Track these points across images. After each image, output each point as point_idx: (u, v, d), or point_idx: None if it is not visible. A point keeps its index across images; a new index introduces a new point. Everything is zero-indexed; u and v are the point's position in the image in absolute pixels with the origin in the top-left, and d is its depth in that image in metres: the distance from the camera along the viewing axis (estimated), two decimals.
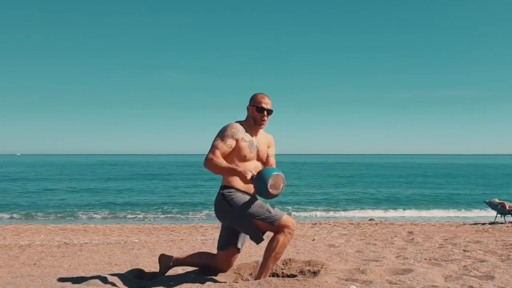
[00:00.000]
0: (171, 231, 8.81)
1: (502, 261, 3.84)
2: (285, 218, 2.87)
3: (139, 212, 14.86)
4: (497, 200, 9.91)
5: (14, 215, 14.02)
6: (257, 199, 2.96)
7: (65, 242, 6.61)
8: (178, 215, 14.25)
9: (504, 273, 3.27)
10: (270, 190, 2.71)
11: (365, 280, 2.93)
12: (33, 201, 18.41)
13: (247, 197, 2.93)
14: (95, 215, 14.18)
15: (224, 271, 3.15)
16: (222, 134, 2.90)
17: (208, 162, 2.80)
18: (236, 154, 2.91)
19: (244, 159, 2.94)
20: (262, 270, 2.91)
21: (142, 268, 3.76)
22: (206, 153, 2.86)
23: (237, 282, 2.95)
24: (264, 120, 3.00)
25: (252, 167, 2.95)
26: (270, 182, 2.70)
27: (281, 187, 2.79)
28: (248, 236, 2.99)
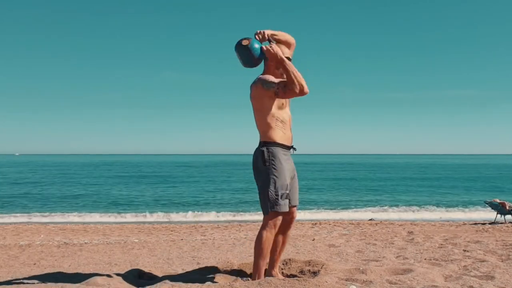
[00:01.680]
0: (171, 231, 8.80)
1: (502, 261, 3.84)
2: (278, 217, 2.86)
3: (139, 212, 14.86)
4: (497, 200, 9.89)
5: (14, 215, 14.02)
6: (287, 175, 2.91)
7: (65, 242, 6.61)
8: (178, 215, 14.25)
9: (504, 273, 3.27)
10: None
11: (365, 280, 2.93)
12: (33, 201, 18.41)
13: (284, 166, 2.89)
14: (95, 215, 14.17)
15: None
16: (271, 79, 2.87)
17: (305, 85, 2.80)
18: (275, 104, 2.90)
19: (281, 108, 2.94)
20: (253, 269, 2.91)
21: (142, 268, 3.76)
22: (290, 90, 2.79)
23: (237, 282, 2.95)
24: None
25: (286, 116, 2.97)
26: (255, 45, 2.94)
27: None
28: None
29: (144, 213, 14.61)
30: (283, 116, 2.94)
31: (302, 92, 2.79)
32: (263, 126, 2.92)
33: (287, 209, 2.88)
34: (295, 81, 2.77)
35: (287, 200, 2.89)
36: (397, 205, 16.58)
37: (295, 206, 3.06)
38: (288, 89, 2.80)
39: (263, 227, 2.86)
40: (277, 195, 2.83)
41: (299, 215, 14.60)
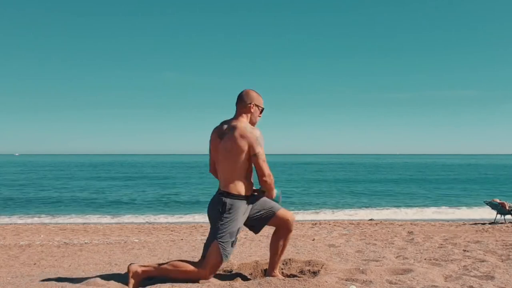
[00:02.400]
0: (171, 231, 8.80)
1: (502, 261, 3.84)
2: (219, 265, 2.91)
3: (139, 212, 14.86)
4: (497, 200, 9.90)
5: (14, 215, 14.01)
6: (241, 222, 2.95)
7: (65, 242, 6.61)
8: (178, 215, 14.25)
9: (504, 273, 3.27)
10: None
11: (365, 280, 2.93)
12: (32, 201, 18.41)
13: (241, 218, 2.93)
14: (95, 215, 14.17)
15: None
16: (262, 145, 2.88)
17: (272, 180, 2.91)
18: (250, 161, 2.90)
19: (251, 166, 2.95)
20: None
21: None
22: (264, 168, 2.87)
23: (237, 282, 2.95)
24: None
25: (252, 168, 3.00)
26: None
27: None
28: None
29: (144, 213, 14.62)
30: (251, 174, 2.97)
31: (268, 182, 2.91)
32: (233, 176, 2.89)
33: (229, 258, 2.93)
34: (270, 176, 2.90)
35: (233, 248, 2.93)
36: (397, 205, 16.57)
37: (277, 210, 3.05)
38: (267, 174, 2.88)
39: (205, 266, 2.87)
40: (227, 245, 2.87)
41: (300, 215, 14.62)
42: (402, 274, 3.12)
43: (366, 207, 16.12)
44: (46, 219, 13.17)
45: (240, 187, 2.89)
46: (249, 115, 2.97)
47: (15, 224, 11.04)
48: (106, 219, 13.26)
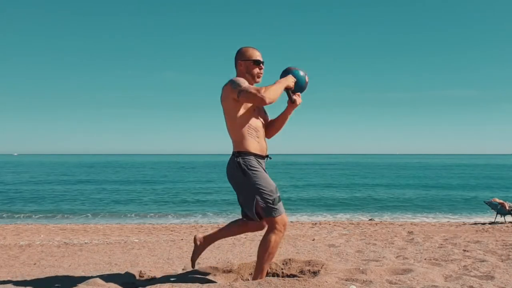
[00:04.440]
0: (171, 231, 8.80)
1: (502, 261, 3.84)
2: (282, 217, 2.75)
3: (139, 212, 14.85)
4: (497, 200, 9.90)
5: (14, 215, 14.01)
6: (271, 180, 2.80)
7: (65, 242, 6.61)
8: (178, 215, 14.25)
9: (504, 273, 3.27)
10: (306, 78, 2.92)
11: (365, 280, 2.93)
12: (32, 201, 18.40)
13: (262, 172, 2.78)
14: (95, 215, 14.17)
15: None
16: (241, 83, 2.70)
17: (267, 94, 2.63)
18: (245, 113, 2.76)
19: (253, 117, 2.80)
20: (257, 272, 2.83)
21: (142, 268, 3.76)
22: (252, 96, 2.63)
23: (237, 282, 2.95)
24: (261, 73, 2.88)
25: (259, 127, 2.84)
26: (301, 73, 2.90)
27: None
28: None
29: (144, 213, 14.62)
30: (256, 123, 2.82)
31: (262, 102, 2.66)
32: (235, 135, 2.78)
33: (283, 210, 2.78)
34: (261, 93, 2.64)
35: (281, 202, 2.80)
36: (397, 205, 16.57)
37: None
38: (250, 93, 2.65)
39: (270, 231, 2.75)
40: (269, 202, 2.72)
41: (299, 215, 14.55)
42: (402, 274, 3.12)
43: (366, 207, 16.11)
44: (46, 219, 13.17)
45: (248, 145, 2.76)
46: (240, 74, 2.85)
47: (15, 224, 11.03)
48: (106, 219, 13.26)
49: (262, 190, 2.71)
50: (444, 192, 22.12)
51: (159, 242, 6.47)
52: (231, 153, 2.85)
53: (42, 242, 6.70)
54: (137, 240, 6.78)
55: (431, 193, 21.56)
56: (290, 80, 2.83)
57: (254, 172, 2.74)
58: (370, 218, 12.64)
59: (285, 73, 2.90)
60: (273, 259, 2.93)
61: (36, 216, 13.86)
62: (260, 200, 2.71)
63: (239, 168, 2.74)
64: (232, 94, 2.71)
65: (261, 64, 2.86)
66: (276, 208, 2.73)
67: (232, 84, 2.71)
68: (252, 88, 2.66)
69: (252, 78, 2.84)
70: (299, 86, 2.91)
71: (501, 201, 9.77)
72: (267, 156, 2.90)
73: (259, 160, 2.81)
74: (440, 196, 20.35)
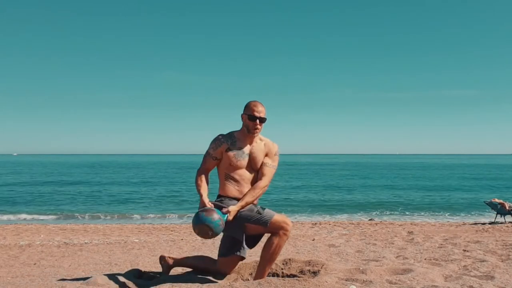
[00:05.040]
0: (171, 231, 8.80)
1: (502, 261, 3.84)
2: (277, 218, 2.90)
3: (139, 212, 14.85)
4: (497, 200, 9.90)
5: (14, 215, 14.01)
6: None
7: (65, 242, 6.60)
8: (178, 215, 14.24)
9: (504, 273, 3.27)
10: (197, 235, 2.86)
11: (365, 280, 2.93)
12: (32, 201, 18.40)
13: None
14: (95, 215, 14.17)
15: (224, 275, 3.19)
16: (209, 146, 3.08)
17: (196, 174, 3.10)
18: (224, 163, 3.05)
19: (232, 167, 3.04)
20: (259, 273, 2.97)
21: (142, 268, 3.76)
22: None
23: (237, 282, 2.95)
24: (257, 128, 3.02)
25: (241, 176, 3.04)
26: (196, 229, 2.80)
27: (209, 234, 2.78)
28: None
29: (144, 213, 14.62)
30: (236, 176, 3.05)
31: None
32: (219, 179, 3.13)
33: (273, 212, 2.95)
34: (197, 171, 3.14)
35: (266, 209, 2.97)
36: (397, 205, 16.57)
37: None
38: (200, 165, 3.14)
39: (274, 234, 2.90)
40: (256, 216, 2.91)
41: (299, 215, 14.52)
42: (402, 274, 3.12)
43: (366, 207, 16.10)
44: (46, 219, 13.17)
45: (227, 190, 3.08)
46: (243, 125, 3.12)
47: (15, 224, 11.03)
48: (106, 219, 13.26)
49: (242, 216, 2.92)
50: (444, 192, 22.12)
51: (159, 242, 6.47)
52: None
53: (42, 242, 6.69)
54: (137, 240, 6.78)
55: (431, 193, 21.56)
56: (200, 201, 3.00)
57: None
58: (370, 218, 12.64)
59: (197, 218, 2.81)
60: (275, 261, 3.06)
61: (36, 216, 13.86)
62: (250, 223, 2.92)
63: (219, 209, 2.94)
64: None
65: (257, 120, 3.02)
66: (265, 216, 2.90)
67: (211, 143, 3.09)
68: (203, 162, 3.10)
69: (247, 131, 3.06)
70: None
71: (501, 201, 9.77)
72: None
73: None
74: (440, 196, 20.34)
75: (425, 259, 4.14)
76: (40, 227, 9.89)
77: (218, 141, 3.06)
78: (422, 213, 14.45)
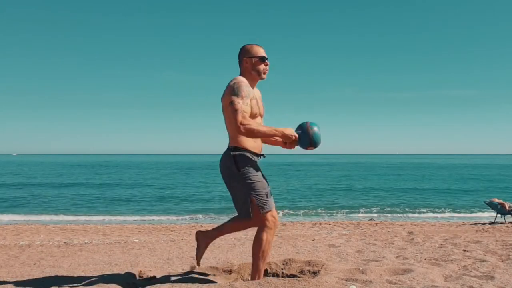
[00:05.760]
0: (171, 231, 8.80)
1: (502, 261, 3.84)
2: (272, 213, 2.79)
3: (139, 212, 14.85)
4: (497, 200, 9.90)
5: (14, 215, 14.01)
6: (263, 175, 2.86)
7: (65, 242, 6.60)
8: (178, 215, 14.25)
9: (504, 273, 3.27)
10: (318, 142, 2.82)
11: (365, 280, 2.93)
12: (32, 201, 18.40)
13: (257, 170, 2.82)
14: (95, 215, 14.17)
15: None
16: (239, 94, 2.67)
17: (246, 129, 2.64)
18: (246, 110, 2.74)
19: (254, 117, 2.79)
20: (254, 271, 2.83)
21: (142, 268, 3.76)
22: (234, 117, 2.64)
23: (237, 282, 2.95)
24: (267, 70, 2.87)
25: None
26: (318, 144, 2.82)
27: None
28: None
29: (144, 213, 14.62)
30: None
31: (237, 130, 2.68)
32: (233, 131, 2.77)
33: (273, 205, 2.83)
34: (243, 125, 2.65)
35: (271, 198, 2.84)
36: (397, 205, 16.57)
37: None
38: (235, 115, 2.66)
39: (261, 229, 2.77)
40: (261, 196, 2.75)
41: (299, 215, 14.57)
42: (402, 274, 3.12)
43: (366, 207, 16.10)
44: (46, 219, 13.17)
45: (244, 142, 2.78)
46: (245, 71, 2.85)
47: (15, 224, 11.03)
48: (106, 219, 13.26)
49: (254, 186, 2.75)
50: (444, 192, 22.12)
51: (159, 242, 6.47)
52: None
53: (42, 242, 6.69)
54: (137, 240, 6.78)
55: (431, 193, 21.56)
56: (287, 134, 2.78)
57: (248, 167, 2.77)
58: (370, 218, 12.64)
59: (300, 128, 2.83)
60: (269, 257, 2.94)
61: (36, 216, 13.87)
62: (254, 195, 2.74)
63: (235, 163, 2.76)
64: (228, 97, 2.70)
65: (266, 61, 2.86)
66: (265, 204, 2.76)
67: (233, 90, 2.70)
68: (240, 113, 2.65)
69: (258, 75, 2.85)
70: (305, 143, 2.83)
71: (501, 201, 9.77)
72: (262, 154, 2.94)
73: (254, 157, 2.84)
74: (440, 196, 20.35)
75: (425, 259, 4.14)
76: (40, 227, 9.89)
77: (249, 87, 2.74)
78: (422, 213, 14.46)
